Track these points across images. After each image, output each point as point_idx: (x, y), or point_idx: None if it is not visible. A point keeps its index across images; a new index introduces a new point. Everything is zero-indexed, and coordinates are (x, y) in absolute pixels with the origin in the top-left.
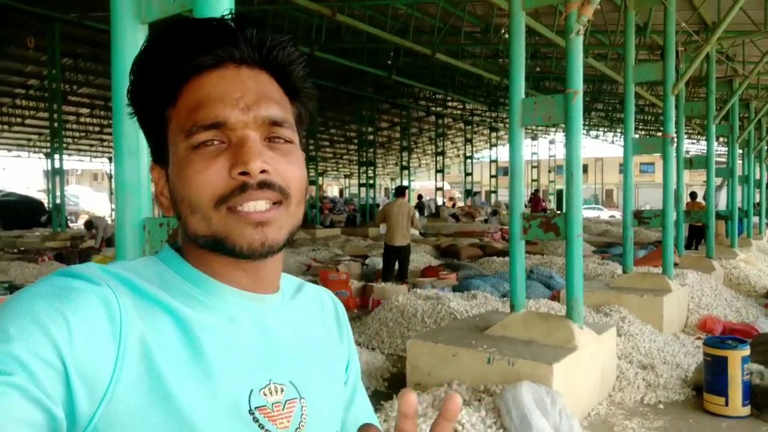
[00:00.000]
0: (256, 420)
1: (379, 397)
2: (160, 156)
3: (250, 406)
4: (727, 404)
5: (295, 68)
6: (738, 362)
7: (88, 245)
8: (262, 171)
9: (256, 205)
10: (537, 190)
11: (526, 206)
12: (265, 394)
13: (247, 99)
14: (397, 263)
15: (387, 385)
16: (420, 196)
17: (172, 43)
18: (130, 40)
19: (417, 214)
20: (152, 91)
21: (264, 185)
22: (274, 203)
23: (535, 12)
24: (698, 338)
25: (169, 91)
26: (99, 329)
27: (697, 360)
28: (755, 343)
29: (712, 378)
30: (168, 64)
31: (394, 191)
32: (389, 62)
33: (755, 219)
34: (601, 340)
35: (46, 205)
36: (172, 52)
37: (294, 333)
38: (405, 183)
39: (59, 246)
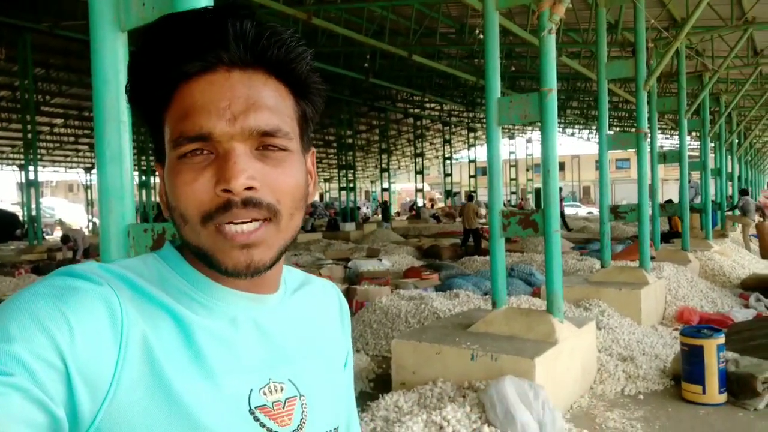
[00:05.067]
0: (257, 419)
1: (365, 398)
2: (161, 155)
3: (250, 406)
4: (704, 392)
5: (297, 65)
6: (714, 351)
7: (66, 257)
8: (249, 188)
9: (243, 226)
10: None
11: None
12: (264, 394)
13: (235, 108)
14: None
15: (372, 385)
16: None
17: (161, 46)
18: (109, 47)
19: (480, 210)
20: (146, 94)
21: (249, 203)
22: (263, 220)
23: (509, 12)
24: (676, 329)
25: (162, 95)
26: (100, 329)
27: (674, 350)
28: (730, 332)
29: (689, 367)
30: (157, 70)
31: (467, 197)
32: (366, 65)
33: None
34: (581, 333)
35: (21, 217)
36: (160, 56)
37: (294, 330)
38: (386, 185)
39: (36, 258)
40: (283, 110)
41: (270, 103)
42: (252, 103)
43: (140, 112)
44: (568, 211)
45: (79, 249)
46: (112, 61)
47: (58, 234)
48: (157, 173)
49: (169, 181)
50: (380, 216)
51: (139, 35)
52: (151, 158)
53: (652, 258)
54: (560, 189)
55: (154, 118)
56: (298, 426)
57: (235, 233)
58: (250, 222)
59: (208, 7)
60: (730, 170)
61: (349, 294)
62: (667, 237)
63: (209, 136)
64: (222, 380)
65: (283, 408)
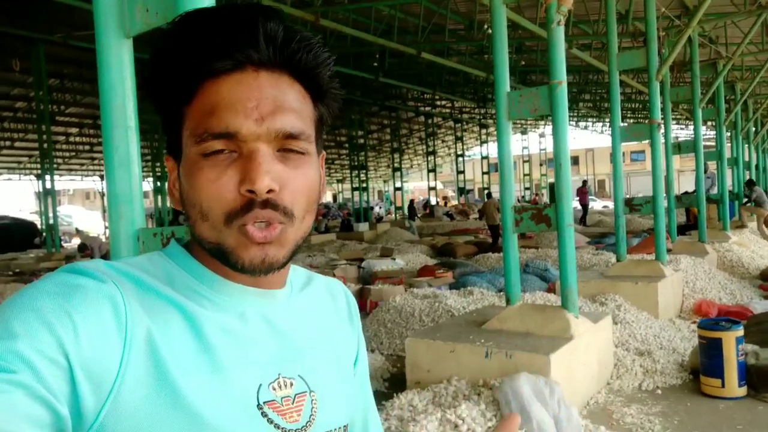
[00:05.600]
0: (264, 414)
1: (380, 398)
2: (174, 147)
3: (258, 401)
4: (723, 386)
5: (321, 71)
6: (732, 343)
7: None
8: (270, 190)
9: (261, 223)
10: (585, 182)
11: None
12: (274, 389)
13: (263, 108)
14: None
15: (387, 385)
16: (411, 201)
17: (190, 41)
18: (115, 54)
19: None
20: (168, 88)
21: (268, 204)
22: (278, 222)
23: (518, 6)
24: (694, 322)
25: (185, 90)
26: (104, 327)
27: (693, 344)
28: (750, 324)
29: (707, 360)
30: (184, 65)
31: (486, 194)
32: (375, 64)
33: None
34: (597, 328)
35: (39, 226)
36: (188, 51)
37: (303, 326)
38: (398, 184)
39: (54, 266)
40: (305, 113)
41: (295, 106)
42: (279, 105)
43: (158, 104)
44: None
45: (95, 257)
46: (118, 67)
47: (76, 242)
48: (166, 165)
49: (189, 176)
50: (393, 215)
51: (164, 30)
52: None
53: (669, 251)
54: (585, 182)
55: (172, 111)
56: (307, 422)
57: (255, 231)
58: (267, 222)
59: (238, 4)
60: (747, 159)
61: (363, 294)
62: (686, 229)
63: (235, 135)
64: (231, 374)
65: (293, 404)
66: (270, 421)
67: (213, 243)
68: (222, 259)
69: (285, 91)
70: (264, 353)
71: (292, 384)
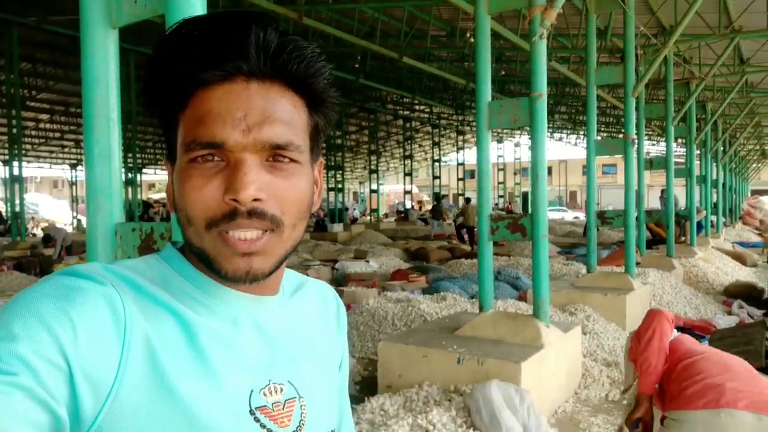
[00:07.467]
0: (257, 420)
1: (351, 401)
2: (172, 152)
3: (250, 407)
4: None
5: (314, 80)
6: None
7: (50, 254)
8: (256, 199)
9: (246, 233)
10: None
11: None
12: (265, 394)
13: (251, 119)
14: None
15: (358, 388)
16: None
17: (182, 50)
18: (100, 44)
19: None
20: (162, 96)
21: (254, 213)
22: (265, 230)
23: (500, 16)
24: None
25: (179, 98)
26: (103, 329)
27: None
28: (713, 338)
29: None
30: (175, 75)
31: (465, 199)
32: (356, 66)
33: (713, 218)
34: (566, 338)
35: (4, 213)
36: (179, 61)
37: (293, 332)
38: (374, 186)
39: (19, 255)
40: (296, 123)
41: (285, 117)
42: (267, 116)
43: (155, 111)
44: (553, 215)
45: (57, 248)
46: (103, 58)
47: (41, 232)
48: (166, 170)
49: (179, 183)
50: (368, 217)
51: (160, 37)
52: (138, 155)
53: (638, 264)
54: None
55: (168, 118)
56: (296, 428)
57: (237, 240)
58: (253, 230)
59: (233, 12)
60: (714, 177)
61: None
62: (651, 243)
63: (222, 145)
64: (224, 380)
65: (283, 409)
66: (263, 426)
67: (198, 248)
68: (207, 265)
69: (275, 101)
70: (255, 359)
71: (282, 390)
